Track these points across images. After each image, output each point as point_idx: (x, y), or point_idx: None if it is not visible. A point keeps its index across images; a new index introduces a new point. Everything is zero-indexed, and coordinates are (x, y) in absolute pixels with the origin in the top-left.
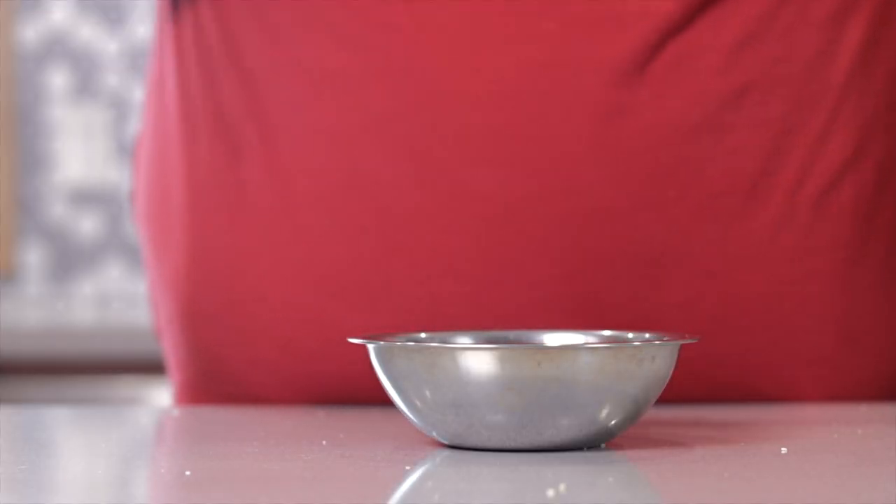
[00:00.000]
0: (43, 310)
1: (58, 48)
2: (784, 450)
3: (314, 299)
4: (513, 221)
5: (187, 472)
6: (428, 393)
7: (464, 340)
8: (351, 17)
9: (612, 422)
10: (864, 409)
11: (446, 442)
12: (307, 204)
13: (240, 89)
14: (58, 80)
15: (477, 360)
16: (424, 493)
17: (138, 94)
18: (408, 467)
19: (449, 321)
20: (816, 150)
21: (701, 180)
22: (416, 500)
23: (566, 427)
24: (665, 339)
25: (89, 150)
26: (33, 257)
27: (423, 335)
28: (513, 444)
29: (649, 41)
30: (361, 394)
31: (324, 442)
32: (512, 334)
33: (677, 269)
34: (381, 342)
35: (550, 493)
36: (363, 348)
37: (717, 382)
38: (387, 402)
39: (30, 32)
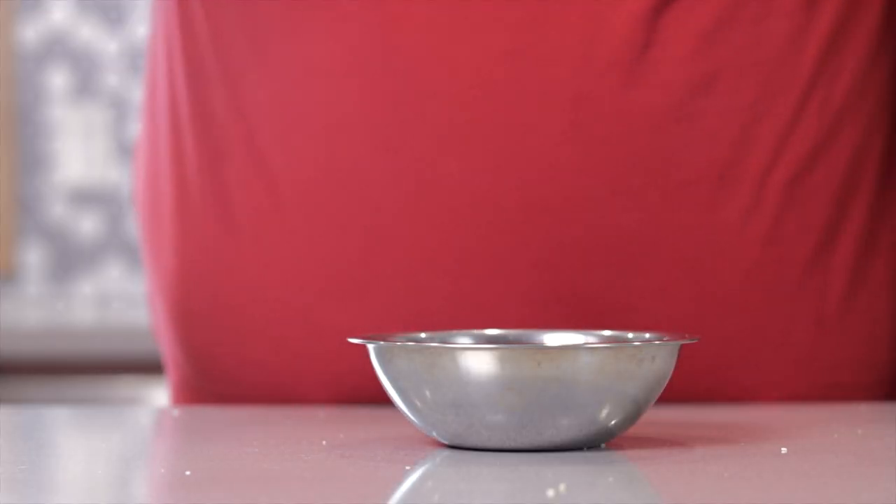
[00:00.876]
0: (43, 310)
1: (58, 48)
2: (784, 450)
3: (303, 298)
4: (487, 213)
5: (187, 472)
6: (428, 393)
7: (464, 340)
8: (331, 15)
9: (612, 422)
10: (864, 409)
11: (446, 442)
12: (293, 202)
13: (224, 88)
14: (58, 80)
15: (477, 360)
16: (424, 493)
17: (138, 94)
18: (408, 467)
19: (432, 315)
20: (786, 137)
21: (670, 168)
22: (416, 500)
23: (566, 427)
24: (665, 339)
25: (89, 150)
26: (33, 257)
27: (423, 335)
28: (513, 444)
29: (619, 30)
30: (355, 393)
31: (324, 442)
32: (512, 334)
33: (649, 257)
34: (381, 342)
35: (550, 493)
36: (355, 347)
37: (690, 370)
38: (383, 400)
39: (30, 32)
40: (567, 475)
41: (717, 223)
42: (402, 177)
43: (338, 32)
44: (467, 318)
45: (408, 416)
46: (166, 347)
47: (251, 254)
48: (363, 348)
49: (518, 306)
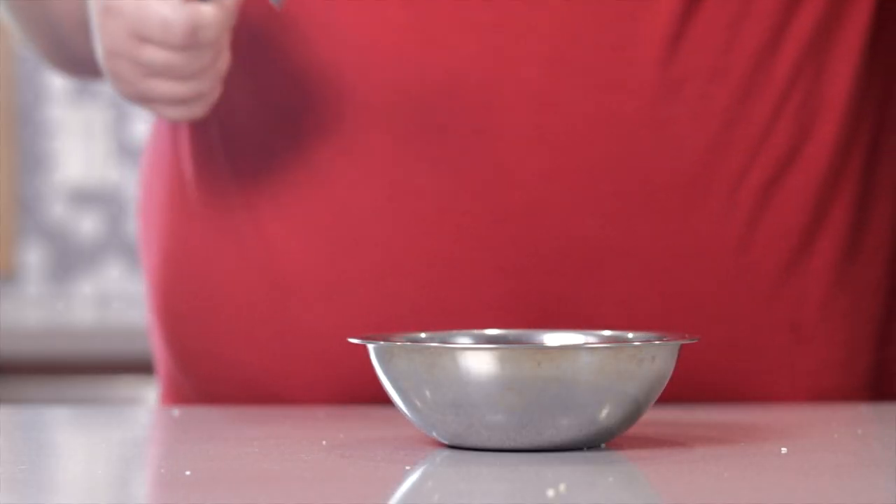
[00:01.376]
0: (43, 310)
1: None
2: (784, 450)
3: (274, 299)
4: (454, 218)
5: (187, 472)
6: (428, 393)
7: (464, 340)
8: (309, 23)
9: (612, 422)
10: (864, 409)
11: (446, 442)
12: (268, 204)
13: None
14: (58, 80)
15: (477, 360)
16: (424, 493)
17: None
18: (408, 467)
19: (399, 320)
20: (761, 141)
21: (639, 174)
22: (416, 501)
23: (566, 427)
24: (665, 339)
25: (89, 150)
26: (33, 257)
27: (423, 335)
28: (513, 444)
29: (589, 33)
30: (334, 395)
31: (324, 442)
32: (512, 334)
33: (618, 264)
34: (382, 342)
35: (550, 493)
36: (334, 349)
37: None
38: (363, 402)
39: None
40: (567, 475)
41: (689, 230)
42: (368, 179)
43: (315, 39)
44: (436, 322)
45: (408, 416)
46: (155, 347)
47: (228, 254)
48: (343, 350)
49: (487, 310)
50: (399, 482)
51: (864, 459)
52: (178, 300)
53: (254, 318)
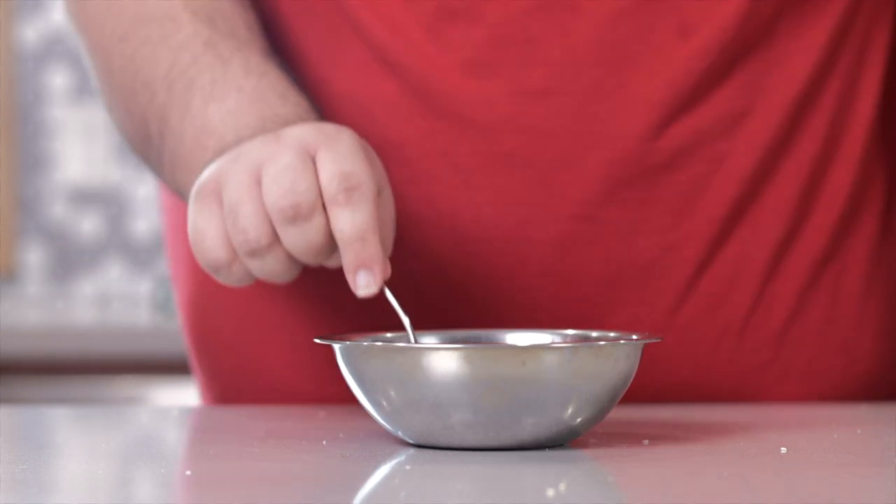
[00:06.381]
0: (43, 310)
1: (58, 48)
2: (784, 450)
3: (260, 304)
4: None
5: (187, 472)
6: (393, 393)
7: (429, 340)
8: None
9: (578, 420)
10: (864, 409)
11: (412, 441)
12: None
13: None
14: (58, 80)
15: (442, 359)
16: (425, 493)
17: None
18: (408, 467)
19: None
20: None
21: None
22: (416, 500)
23: (532, 426)
24: (631, 338)
25: (89, 150)
26: (33, 257)
27: (388, 335)
28: (480, 443)
29: None
30: (313, 396)
31: (324, 442)
32: (479, 334)
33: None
34: (347, 342)
35: (550, 492)
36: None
37: (654, 374)
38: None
39: (30, 32)
40: (566, 475)
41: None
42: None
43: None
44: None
45: (374, 415)
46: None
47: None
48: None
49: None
50: (399, 482)
51: (864, 459)
52: (208, 324)
53: (242, 324)
